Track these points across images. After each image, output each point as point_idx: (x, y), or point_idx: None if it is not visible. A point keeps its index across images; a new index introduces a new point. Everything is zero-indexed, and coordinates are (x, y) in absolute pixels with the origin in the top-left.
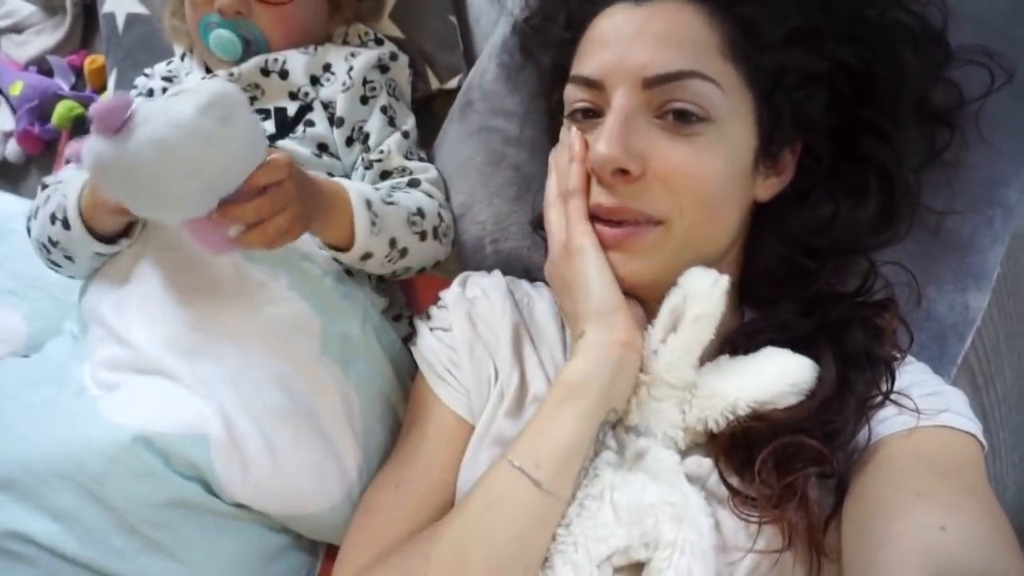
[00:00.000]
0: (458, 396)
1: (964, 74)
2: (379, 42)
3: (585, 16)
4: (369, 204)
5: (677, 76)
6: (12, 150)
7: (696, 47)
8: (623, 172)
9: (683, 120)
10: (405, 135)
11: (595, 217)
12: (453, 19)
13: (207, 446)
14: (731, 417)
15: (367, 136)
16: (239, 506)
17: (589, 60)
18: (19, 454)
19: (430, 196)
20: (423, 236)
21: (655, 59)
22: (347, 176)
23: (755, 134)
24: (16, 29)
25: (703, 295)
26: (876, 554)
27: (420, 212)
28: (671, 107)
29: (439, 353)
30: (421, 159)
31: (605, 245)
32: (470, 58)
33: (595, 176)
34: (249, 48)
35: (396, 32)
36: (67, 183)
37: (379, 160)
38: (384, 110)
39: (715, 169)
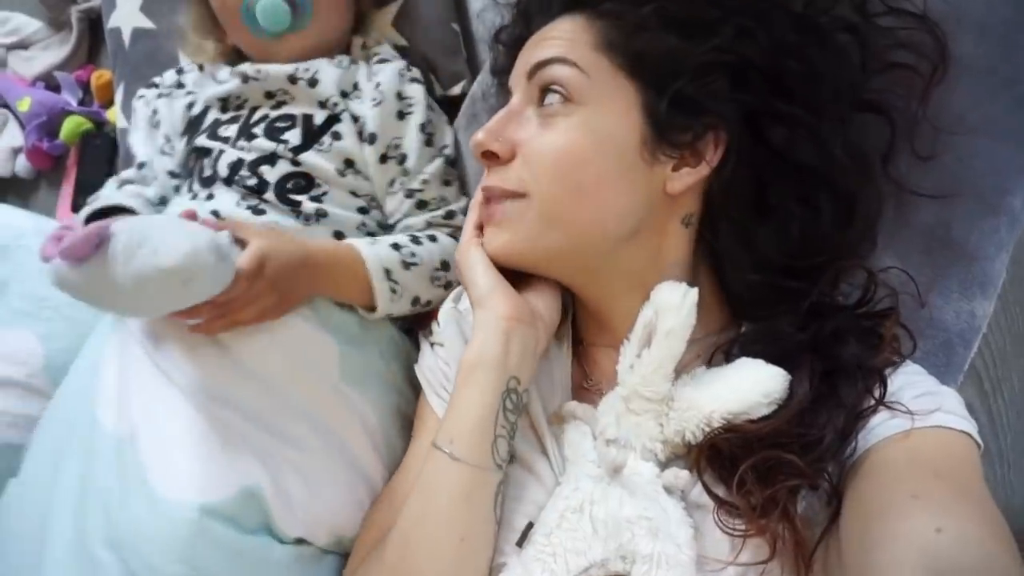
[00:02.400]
0: None
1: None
2: (384, 61)
3: (529, 36)
4: (388, 273)
5: (545, 63)
6: (22, 166)
7: (569, 42)
8: (494, 156)
9: (550, 105)
10: (446, 157)
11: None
12: (456, 26)
13: (264, 496)
14: (707, 429)
15: (404, 157)
16: (298, 542)
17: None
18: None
19: (456, 238)
20: (447, 286)
21: (533, 55)
22: (374, 195)
23: (641, 121)
24: (23, 45)
25: (673, 309)
26: (873, 558)
27: (444, 265)
28: (542, 93)
29: (435, 368)
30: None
31: (483, 223)
32: (473, 65)
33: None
34: (296, 13)
35: (399, 39)
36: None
37: (420, 190)
38: (422, 128)
39: (573, 146)
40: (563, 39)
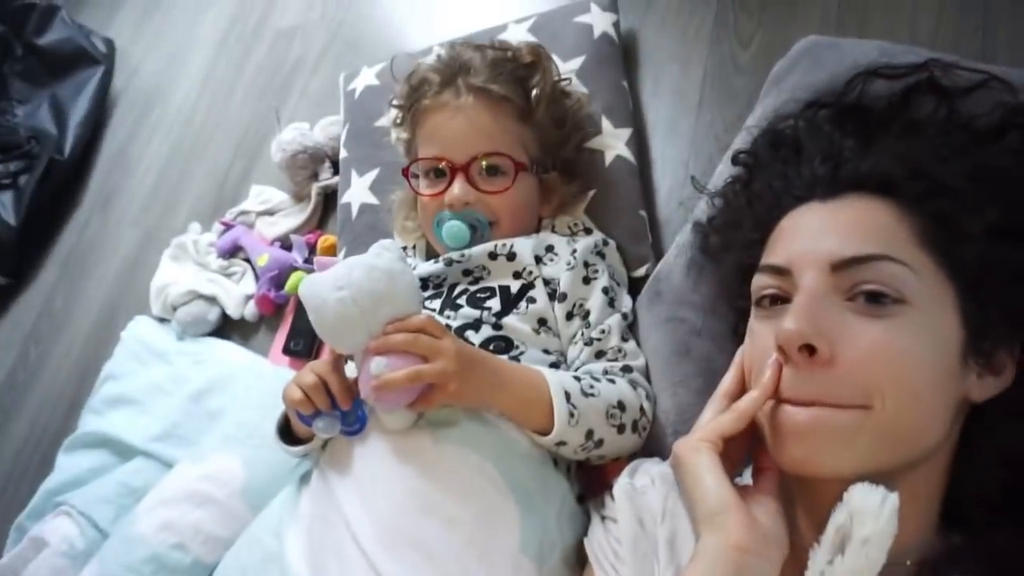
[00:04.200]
0: None
1: None
2: (588, 231)
3: (772, 218)
4: (568, 396)
5: (867, 259)
6: (250, 310)
7: (886, 235)
8: (811, 351)
9: (875, 301)
10: (624, 317)
11: (785, 401)
12: (643, 213)
13: None
14: None
15: (587, 313)
16: None
17: (776, 250)
18: None
19: (635, 387)
20: (621, 429)
21: (843, 244)
22: (563, 351)
23: (960, 325)
24: (270, 212)
25: (871, 515)
26: None
27: (621, 405)
28: (861, 288)
29: (604, 545)
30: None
31: (796, 429)
32: (658, 248)
33: (783, 358)
34: (475, 233)
35: (590, 225)
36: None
37: (599, 339)
38: (605, 291)
39: (913, 351)
40: (876, 230)
